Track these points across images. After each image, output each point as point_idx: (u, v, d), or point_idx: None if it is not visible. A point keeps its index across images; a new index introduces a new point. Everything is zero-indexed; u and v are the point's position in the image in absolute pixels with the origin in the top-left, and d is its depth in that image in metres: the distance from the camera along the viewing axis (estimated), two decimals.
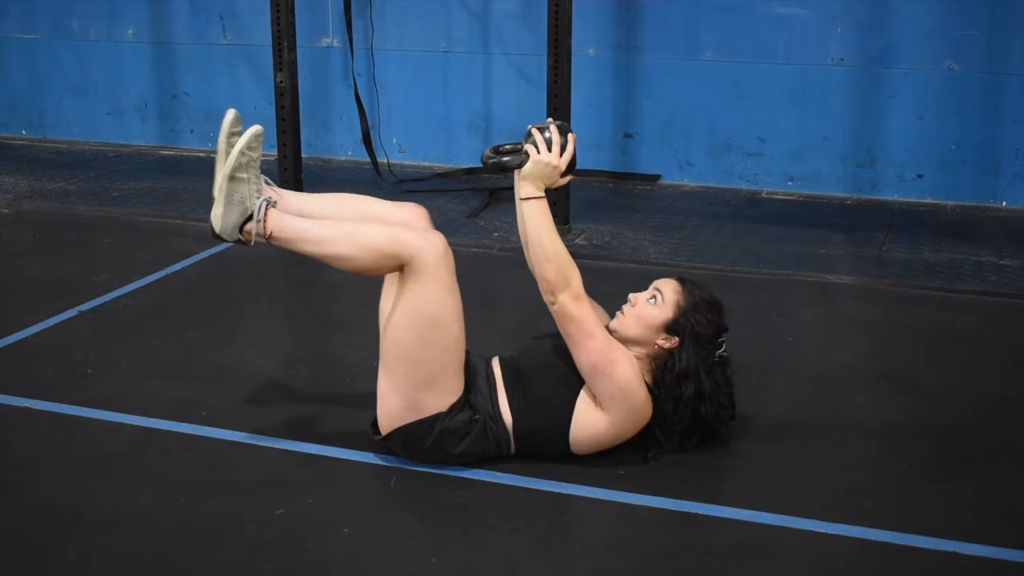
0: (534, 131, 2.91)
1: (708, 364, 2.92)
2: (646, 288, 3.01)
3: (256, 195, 2.87)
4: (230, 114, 2.95)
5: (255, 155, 2.88)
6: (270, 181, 3.05)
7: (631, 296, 3.00)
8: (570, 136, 2.91)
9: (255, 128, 2.87)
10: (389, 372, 2.89)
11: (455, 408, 2.89)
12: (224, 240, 2.89)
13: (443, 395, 2.88)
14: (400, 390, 2.88)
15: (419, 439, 2.90)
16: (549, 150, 2.88)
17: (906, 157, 5.55)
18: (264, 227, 2.86)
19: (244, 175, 2.85)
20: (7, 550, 2.64)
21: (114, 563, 2.59)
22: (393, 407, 2.90)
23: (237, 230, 2.87)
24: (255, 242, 2.88)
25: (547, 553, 2.63)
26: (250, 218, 2.86)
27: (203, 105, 6.64)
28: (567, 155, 2.90)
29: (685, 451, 2.99)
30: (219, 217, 2.86)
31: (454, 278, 2.87)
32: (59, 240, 5.02)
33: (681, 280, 3.00)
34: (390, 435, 2.92)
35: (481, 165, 2.95)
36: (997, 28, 5.30)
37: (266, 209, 2.87)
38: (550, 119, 2.99)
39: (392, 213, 3.07)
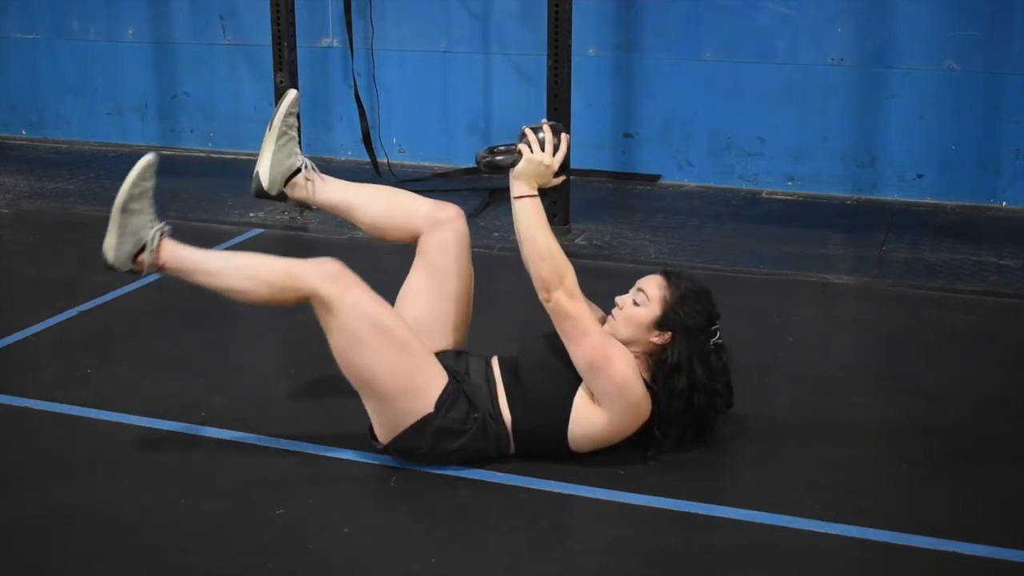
0: (527, 131, 2.93)
1: (703, 353, 2.92)
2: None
3: (150, 225, 2.89)
4: (291, 94, 3.08)
5: (148, 185, 2.90)
6: (314, 165, 3.12)
7: (617, 299, 3.00)
8: (563, 136, 2.93)
9: (148, 158, 2.90)
10: (364, 392, 2.91)
11: (443, 404, 2.88)
12: (117, 270, 2.90)
13: (425, 392, 2.88)
14: (382, 403, 2.89)
15: (417, 444, 2.90)
16: (543, 149, 2.90)
17: (906, 157, 5.55)
18: (157, 257, 2.88)
19: (137, 206, 2.88)
20: (7, 550, 2.64)
21: (114, 563, 2.59)
22: (383, 420, 2.92)
23: (130, 260, 2.89)
24: (147, 272, 2.91)
25: (547, 553, 2.63)
26: (144, 248, 2.88)
27: (203, 105, 6.65)
28: (560, 155, 2.92)
29: (683, 445, 2.99)
30: (112, 248, 2.88)
31: (364, 287, 2.87)
32: (59, 240, 5.02)
33: (665, 274, 3.00)
34: (388, 445, 2.94)
35: (476, 165, 2.98)
36: (997, 28, 5.30)
37: (160, 239, 2.89)
38: (544, 120, 3.02)
39: (423, 209, 3.10)
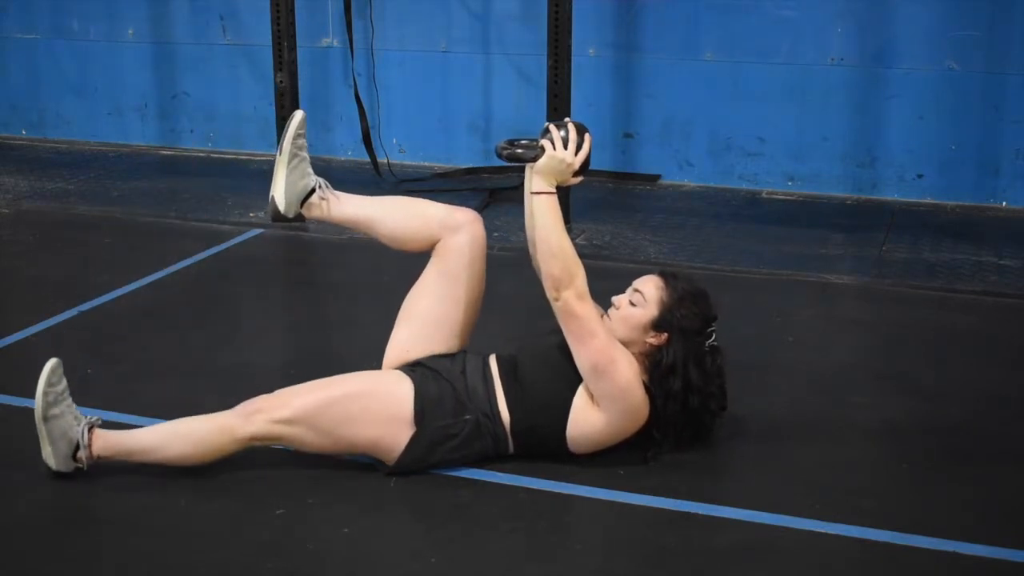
0: (552, 127, 2.92)
1: (699, 355, 2.92)
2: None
3: (75, 422, 2.88)
4: (298, 115, 3.10)
5: (59, 389, 2.87)
6: (327, 184, 3.13)
7: (614, 299, 2.99)
8: (586, 136, 2.93)
9: (50, 364, 2.86)
10: (353, 450, 2.93)
11: (421, 416, 2.89)
12: (63, 472, 2.88)
13: (399, 417, 2.89)
14: (370, 448, 2.92)
15: (417, 460, 2.91)
16: (565, 147, 2.89)
17: (906, 157, 5.55)
18: (91, 452, 2.87)
19: (57, 411, 2.86)
20: (7, 550, 2.64)
21: (114, 563, 2.59)
22: (378, 454, 2.94)
23: (71, 460, 2.88)
24: (88, 466, 2.89)
25: (547, 553, 2.63)
26: (79, 447, 2.87)
27: (203, 105, 6.65)
28: (582, 154, 2.92)
29: (680, 446, 2.99)
30: (50, 456, 2.87)
31: (287, 394, 2.91)
32: (59, 240, 5.02)
33: (663, 275, 2.99)
34: (393, 468, 2.94)
35: (497, 158, 2.97)
36: (997, 28, 5.30)
37: (89, 434, 2.88)
38: (568, 118, 3.01)
39: (439, 214, 3.12)
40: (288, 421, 2.86)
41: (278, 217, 3.11)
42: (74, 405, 2.91)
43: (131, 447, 2.90)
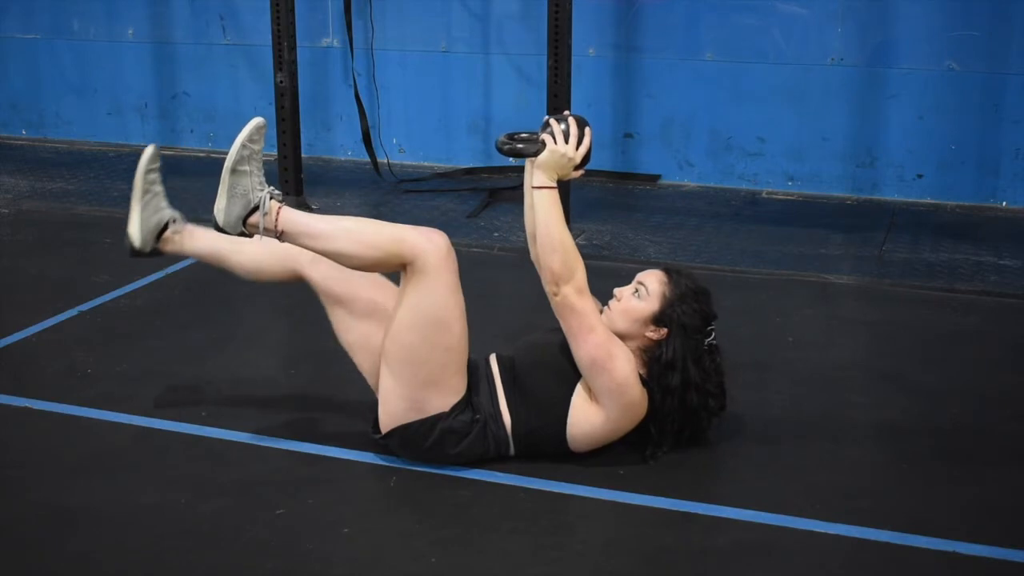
0: (552, 121, 2.91)
1: (697, 353, 2.92)
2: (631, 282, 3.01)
3: (259, 188, 2.88)
4: (148, 151, 3.13)
5: (257, 147, 2.89)
6: (180, 217, 3.16)
7: (616, 291, 2.99)
8: (587, 130, 2.92)
9: (257, 120, 2.89)
10: (392, 371, 2.89)
11: (457, 408, 2.89)
12: (227, 233, 2.89)
13: (446, 395, 2.88)
14: (403, 389, 2.88)
15: (420, 439, 2.90)
16: (566, 141, 2.89)
17: (906, 157, 5.55)
18: (276, 221, 2.86)
19: (246, 167, 2.86)
20: (7, 550, 2.64)
21: (114, 563, 2.59)
22: (395, 406, 2.90)
23: (240, 223, 2.87)
24: (262, 237, 2.89)
25: (547, 553, 2.63)
26: (253, 211, 2.86)
27: (203, 105, 6.65)
28: (583, 147, 2.91)
29: (679, 445, 2.99)
30: (222, 211, 2.86)
31: (457, 278, 2.87)
32: (59, 240, 5.02)
33: (667, 270, 2.99)
34: (390, 434, 2.92)
35: (498, 153, 2.95)
36: (997, 28, 5.30)
37: (278, 209, 2.87)
38: (567, 111, 2.99)
39: (288, 251, 3.07)
40: (433, 286, 2.81)
41: (135, 253, 3.17)
42: (263, 173, 2.91)
43: (303, 229, 2.89)
